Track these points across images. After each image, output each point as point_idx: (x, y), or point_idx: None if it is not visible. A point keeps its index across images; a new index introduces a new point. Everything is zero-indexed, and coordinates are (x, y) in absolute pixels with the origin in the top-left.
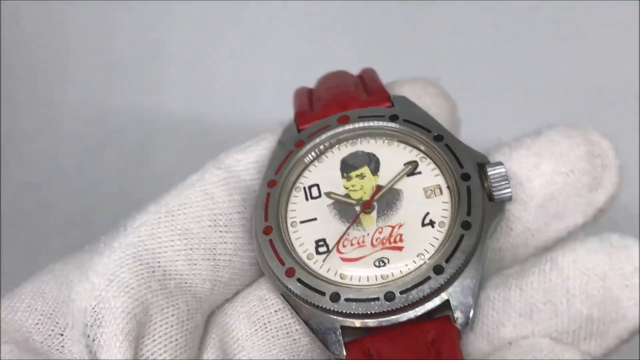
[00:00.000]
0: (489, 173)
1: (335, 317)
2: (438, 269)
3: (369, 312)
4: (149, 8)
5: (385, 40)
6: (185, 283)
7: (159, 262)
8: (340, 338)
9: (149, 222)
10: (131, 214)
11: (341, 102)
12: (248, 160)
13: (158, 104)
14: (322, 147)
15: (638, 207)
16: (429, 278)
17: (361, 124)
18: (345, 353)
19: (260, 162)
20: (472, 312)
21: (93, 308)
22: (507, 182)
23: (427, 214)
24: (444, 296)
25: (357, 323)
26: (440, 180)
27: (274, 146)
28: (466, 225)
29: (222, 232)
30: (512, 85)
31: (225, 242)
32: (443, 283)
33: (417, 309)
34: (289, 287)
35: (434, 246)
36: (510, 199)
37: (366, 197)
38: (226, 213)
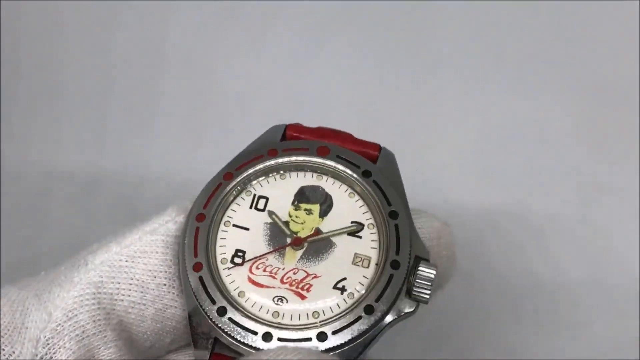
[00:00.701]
0: (419, 269)
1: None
2: (368, 309)
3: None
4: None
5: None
6: (132, 336)
7: (114, 309)
8: (209, 346)
9: (111, 262)
10: (91, 245)
11: (335, 134)
12: None
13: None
14: (289, 166)
15: (638, 207)
16: (359, 318)
17: (335, 165)
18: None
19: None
20: None
21: (47, 340)
22: (430, 286)
23: (344, 279)
24: None
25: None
26: (373, 255)
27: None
28: (369, 310)
29: (175, 295)
30: (512, 85)
31: (176, 307)
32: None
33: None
34: (221, 326)
35: (331, 311)
36: (426, 302)
37: (302, 234)
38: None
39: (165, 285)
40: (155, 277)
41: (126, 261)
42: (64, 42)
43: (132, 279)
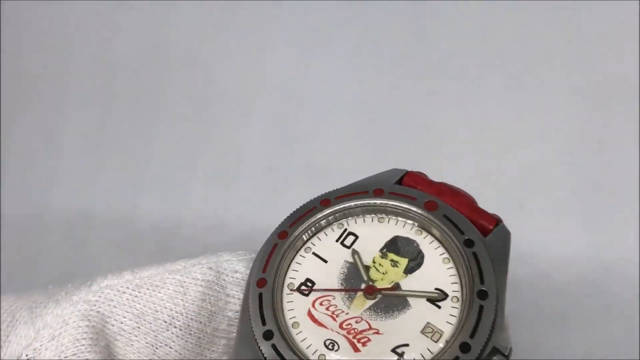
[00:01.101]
0: None
1: None
2: None
3: None
4: None
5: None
6: None
7: (103, 330)
8: None
9: (115, 286)
10: (108, 272)
11: (453, 195)
12: (245, 276)
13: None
14: (391, 211)
15: (638, 207)
16: None
17: (440, 224)
18: None
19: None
20: None
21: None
22: None
23: (406, 345)
24: None
25: None
26: (447, 330)
27: None
28: None
29: (172, 335)
30: (513, 85)
31: (170, 347)
32: None
33: None
34: (262, 350)
35: None
36: None
37: (379, 285)
38: (188, 317)
39: (165, 322)
40: (156, 312)
41: (132, 290)
42: (61, 77)
43: (130, 307)
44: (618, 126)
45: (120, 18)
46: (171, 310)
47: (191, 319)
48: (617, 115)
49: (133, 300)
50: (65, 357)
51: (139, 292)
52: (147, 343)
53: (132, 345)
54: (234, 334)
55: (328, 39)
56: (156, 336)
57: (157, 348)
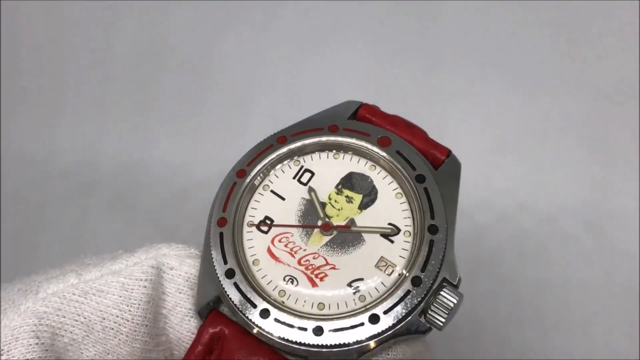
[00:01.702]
0: (441, 293)
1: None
2: (373, 318)
3: (292, 339)
4: None
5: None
6: None
7: (53, 345)
8: (211, 304)
9: (63, 294)
10: (51, 270)
11: (407, 127)
12: (180, 272)
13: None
14: (346, 147)
15: (638, 208)
16: (361, 324)
17: (392, 160)
18: (205, 317)
19: (191, 279)
20: None
21: None
22: (447, 313)
23: (360, 279)
24: (303, 354)
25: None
26: (400, 263)
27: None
28: (374, 319)
29: (121, 341)
30: (513, 84)
31: (119, 355)
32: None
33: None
34: (225, 288)
35: (337, 307)
36: (439, 328)
37: (334, 221)
38: (133, 322)
39: (112, 329)
40: (103, 319)
41: (79, 296)
42: (66, 34)
43: (79, 316)
44: (619, 126)
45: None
46: (117, 317)
47: (137, 324)
48: (618, 116)
49: (80, 308)
50: None
51: (85, 298)
52: (97, 351)
53: (82, 354)
54: (170, 329)
55: (328, 38)
56: (105, 344)
57: (106, 355)
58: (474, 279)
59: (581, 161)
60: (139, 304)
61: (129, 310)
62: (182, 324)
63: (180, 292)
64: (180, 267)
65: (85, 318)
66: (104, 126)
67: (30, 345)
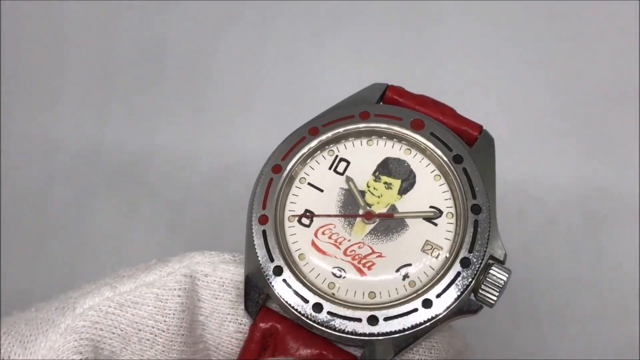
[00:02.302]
0: (491, 271)
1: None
2: (426, 303)
3: (347, 330)
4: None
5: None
6: None
7: (95, 358)
8: (260, 301)
9: (98, 307)
10: (85, 286)
11: (435, 106)
12: (215, 278)
13: None
14: (379, 133)
15: (638, 207)
16: (415, 310)
17: (426, 142)
18: (255, 315)
19: (226, 284)
20: None
21: None
22: (498, 290)
23: (408, 265)
24: (359, 343)
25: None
26: (446, 246)
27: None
28: (427, 304)
29: (157, 352)
30: (513, 84)
31: None
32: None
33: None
34: (274, 286)
35: (389, 295)
36: (490, 306)
37: (376, 208)
38: (169, 332)
39: (148, 340)
40: (139, 331)
41: (115, 308)
42: (67, 15)
43: (115, 328)
44: (619, 125)
45: None
46: (153, 327)
47: (173, 333)
48: (617, 115)
49: (117, 321)
50: None
51: (121, 310)
52: None
53: None
54: (208, 335)
55: (328, 37)
56: (141, 355)
57: None
58: None
59: (580, 161)
60: (174, 314)
61: (164, 321)
62: (221, 329)
63: (217, 298)
64: (214, 273)
65: (122, 330)
66: (105, 114)
67: None
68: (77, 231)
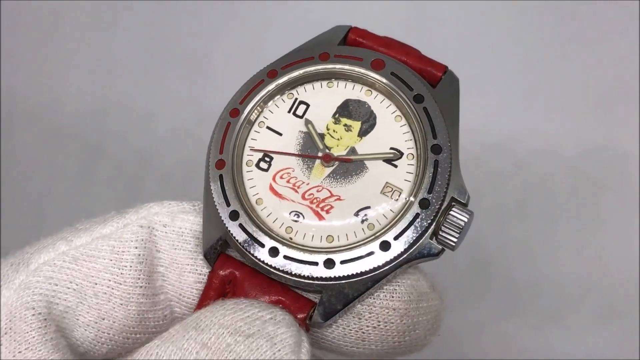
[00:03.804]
0: (451, 212)
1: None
2: (384, 245)
3: (303, 275)
4: None
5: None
6: (67, 339)
7: (50, 314)
8: (218, 247)
9: (53, 262)
10: (42, 240)
11: (400, 47)
12: (173, 228)
13: None
14: (339, 74)
15: (638, 206)
16: (372, 253)
17: (388, 82)
18: (214, 262)
19: (185, 234)
20: (331, 317)
21: None
22: (459, 232)
23: (367, 208)
24: (317, 288)
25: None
26: (406, 187)
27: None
28: (385, 246)
29: (115, 305)
30: (513, 84)
31: (114, 319)
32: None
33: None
34: (231, 231)
35: (347, 239)
36: (451, 248)
37: (335, 151)
38: (126, 284)
39: (105, 294)
40: (95, 285)
41: (69, 263)
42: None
43: (71, 283)
44: (618, 125)
45: None
46: (109, 280)
47: (130, 285)
48: (617, 115)
49: (72, 275)
50: (19, 352)
51: (76, 264)
52: (92, 317)
53: (77, 320)
54: (169, 286)
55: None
56: (98, 309)
57: (101, 320)
58: (472, 280)
59: (580, 161)
60: (131, 266)
61: (121, 273)
62: (181, 280)
63: (175, 248)
64: (172, 223)
65: (77, 285)
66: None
67: (28, 317)
68: (37, 187)
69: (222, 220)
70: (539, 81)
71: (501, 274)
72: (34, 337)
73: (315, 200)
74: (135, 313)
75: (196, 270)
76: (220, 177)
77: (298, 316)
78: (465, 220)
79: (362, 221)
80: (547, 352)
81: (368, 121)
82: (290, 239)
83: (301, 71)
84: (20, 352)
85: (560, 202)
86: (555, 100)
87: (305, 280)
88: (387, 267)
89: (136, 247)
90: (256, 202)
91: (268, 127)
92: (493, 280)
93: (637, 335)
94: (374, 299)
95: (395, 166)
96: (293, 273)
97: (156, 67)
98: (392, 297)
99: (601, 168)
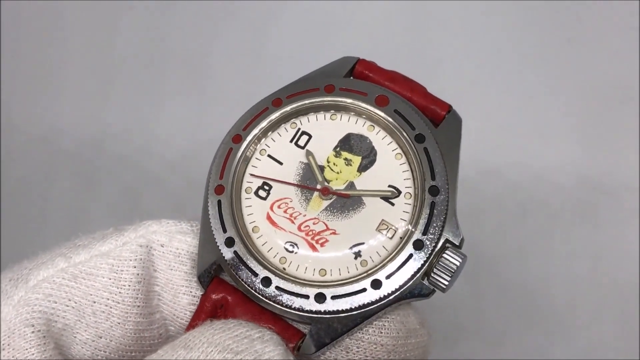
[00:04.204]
0: (445, 254)
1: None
2: (375, 284)
3: (294, 307)
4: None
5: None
6: (64, 356)
7: (49, 331)
8: (212, 271)
9: (52, 279)
10: (41, 255)
11: (406, 83)
12: (171, 248)
13: None
14: (343, 107)
15: (638, 206)
16: (363, 290)
17: (390, 119)
18: (207, 285)
19: (182, 255)
20: (319, 349)
21: None
22: (450, 275)
23: (362, 244)
24: (307, 321)
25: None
26: (402, 227)
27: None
28: (376, 284)
29: (113, 324)
30: (513, 84)
31: (111, 338)
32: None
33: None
34: (225, 257)
35: (339, 274)
36: (442, 290)
37: (334, 184)
38: (124, 304)
39: (103, 312)
40: (94, 303)
41: (69, 280)
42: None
43: (70, 301)
44: (619, 125)
45: None
46: (108, 299)
47: (129, 305)
48: (618, 115)
49: (71, 293)
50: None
51: (75, 282)
52: (89, 335)
53: (75, 337)
54: (164, 306)
55: (328, 37)
56: (96, 328)
57: (98, 338)
58: (472, 280)
59: (579, 160)
60: (129, 285)
61: (119, 292)
62: (175, 300)
63: (172, 269)
64: (170, 243)
65: (76, 303)
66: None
67: (27, 334)
68: (35, 211)
69: (218, 246)
70: (535, 85)
71: (499, 273)
72: (33, 354)
73: (310, 233)
74: (132, 332)
75: (190, 292)
76: (219, 202)
77: (287, 345)
78: (458, 263)
79: (356, 257)
80: (547, 352)
81: (368, 157)
82: (284, 269)
83: (306, 101)
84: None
85: (561, 205)
86: (552, 105)
87: (296, 312)
88: (377, 305)
89: (135, 267)
90: (252, 230)
91: (269, 156)
92: (491, 280)
93: (637, 335)
94: (362, 333)
95: (392, 204)
96: (284, 304)
97: (155, 88)
98: (381, 332)
99: (601, 175)
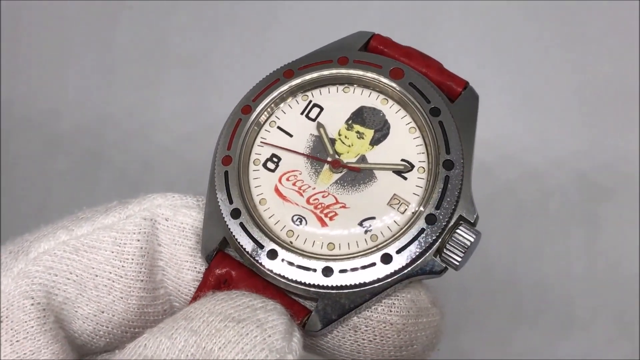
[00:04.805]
0: (457, 231)
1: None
2: (385, 258)
3: (300, 280)
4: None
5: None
6: (65, 331)
7: (49, 304)
8: (217, 245)
9: (53, 252)
10: (43, 228)
11: (422, 58)
12: (175, 222)
13: None
14: (356, 80)
15: (638, 206)
16: (372, 265)
17: (405, 92)
18: (211, 259)
19: (187, 229)
20: (325, 326)
21: None
22: (464, 252)
23: (372, 218)
24: (313, 296)
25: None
26: (414, 201)
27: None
28: (387, 259)
29: (115, 298)
30: (513, 84)
31: (113, 312)
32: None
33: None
34: (231, 229)
35: (348, 248)
36: (455, 268)
37: (345, 158)
38: (127, 278)
39: (105, 286)
40: (96, 277)
41: (70, 253)
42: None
43: (71, 274)
44: (620, 123)
45: None
46: (110, 273)
47: (132, 279)
48: (618, 113)
49: (72, 266)
50: (17, 341)
51: (76, 255)
52: (91, 310)
53: (76, 312)
54: (168, 281)
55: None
56: (98, 302)
57: (100, 313)
58: (473, 280)
59: (579, 160)
60: (132, 259)
61: (122, 266)
62: (180, 275)
63: (176, 244)
64: (175, 217)
65: (77, 276)
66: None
67: (26, 307)
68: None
69: (223, 218)
70: (538, 84)
71: (499, 272)
72: (32, 326)
73: (319, 206)
74: (136, 307)
75: (195, 267)
76: (226, 173)
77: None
78: (472, 240)
79: (366, 231)
80: (547, 352)
81: (381, 130)
82: (291, 242)
83: (318, 73)
84: (18, 340)
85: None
86: (555, 103)
87: (301, 287)
88: (386, 281)
89: (138, 240)
90: (259, 202)
91: (279, 127)
92: (491, 279)
93: (637, 335)
94: (371, 312)
95: (405, 178)
96: (289, 278)
97: (156, 73)
98: (390, 311)
99: (603, 171)
